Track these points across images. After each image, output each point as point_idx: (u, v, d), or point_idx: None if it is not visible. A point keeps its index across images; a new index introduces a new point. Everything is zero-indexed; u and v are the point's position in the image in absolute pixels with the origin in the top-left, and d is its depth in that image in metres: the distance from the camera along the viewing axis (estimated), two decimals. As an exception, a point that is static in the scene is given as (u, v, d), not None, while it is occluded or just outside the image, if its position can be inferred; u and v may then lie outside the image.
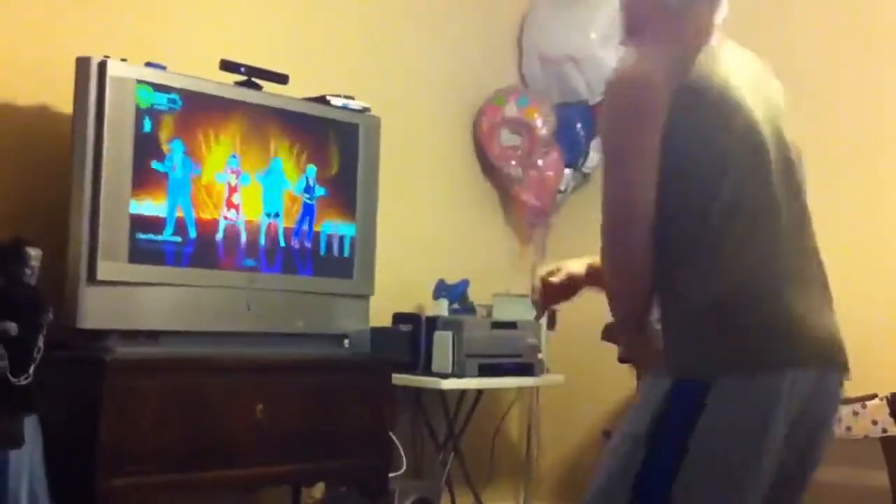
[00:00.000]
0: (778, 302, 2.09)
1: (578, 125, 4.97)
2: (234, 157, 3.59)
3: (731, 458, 2.05)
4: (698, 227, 2.08)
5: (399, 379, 4.02)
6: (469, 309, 4.52)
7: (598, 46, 4.87)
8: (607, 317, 4.04)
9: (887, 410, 3.97)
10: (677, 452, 2.04)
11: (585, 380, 4.78)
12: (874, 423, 3.97)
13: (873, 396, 4.00)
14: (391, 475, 3.99)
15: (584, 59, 4.90)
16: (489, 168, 5.02)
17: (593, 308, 4.86)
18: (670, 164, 2.04)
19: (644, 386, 2.20)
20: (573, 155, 4.99)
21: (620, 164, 2.09)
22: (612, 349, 4.25)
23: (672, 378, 2.06)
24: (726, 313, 2.08)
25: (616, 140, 2.11)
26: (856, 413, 3.98)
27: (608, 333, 4.27)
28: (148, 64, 3.40)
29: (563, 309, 4.63)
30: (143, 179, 3.34)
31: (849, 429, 3.99)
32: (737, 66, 2.17)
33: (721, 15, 2.20)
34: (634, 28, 2.30)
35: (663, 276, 2.12)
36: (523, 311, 4.53)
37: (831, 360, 2.15)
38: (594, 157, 5.00)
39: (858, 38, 4.59)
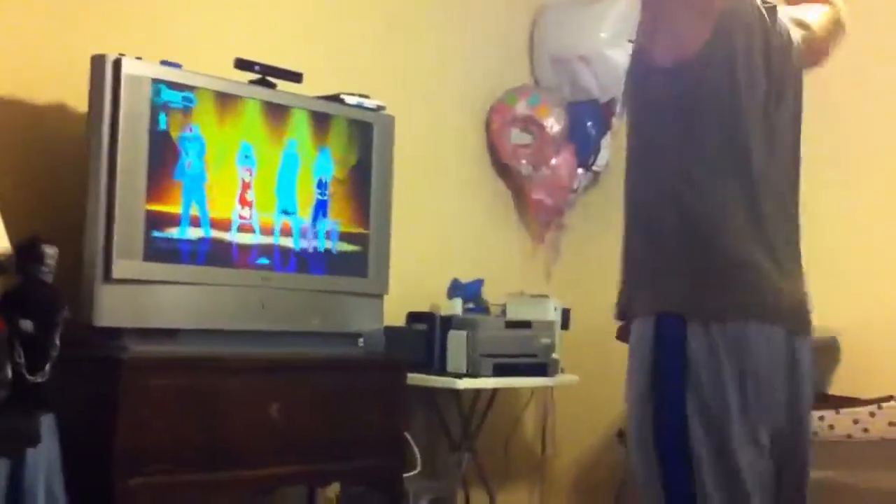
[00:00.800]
0: (749, 255, 2.15)
1: (589, 124, 4.96)
2: (248, 155, 3.58)
3: (722, 413, 2.10)
4: (684, 159, 2.18)
5: (413, 378, 4.01)
6: (483, 308, 4.51)
7: (608, 45, 4.87)
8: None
9: (904, 412, 3.96)
10: (680, 404, 2.12)
11: (600, 380, 4.76)
12: (891, 424, 3.95)
13: (889, 398, 3.98)
14: (406, 475, 3.98)
15: (594, 58, 4.89)
16: (502, 167, 5.01)
17: (608, 307, 4.86)
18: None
19: (630, 343, 2.31)
20: (585, 154, 4.98)
21: None
22: (627, 349, 4.24)
23: (653, 317, 2.18)
24: (698, 255, 2.17)
25: None
26: (872, 415, 3.96)
27: (623, 333, 4.25)
28: (163, 62, 3.40)
29: (578, 309, 4.67)
30: (159, 177, 3.34)
31: (865, 430, 3.97)
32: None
33: None
34: None
35: (647, 209, 2.24)
36: (538, 311, 4.53)
37: (801, 323, 2.22)
38: (604, 156, 4.99)
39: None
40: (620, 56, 4.87)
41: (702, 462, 2.09)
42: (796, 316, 2.25)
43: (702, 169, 2.18)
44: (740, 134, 2.19)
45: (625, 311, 2.30)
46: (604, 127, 4.97)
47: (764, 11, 2.25)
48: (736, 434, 2.10)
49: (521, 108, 4.88)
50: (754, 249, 2.18)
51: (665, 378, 2.16)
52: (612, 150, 5.00)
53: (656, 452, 2.15)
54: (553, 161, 4.92)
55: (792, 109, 2.32)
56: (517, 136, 4.90)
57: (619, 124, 4.97)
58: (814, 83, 2.41)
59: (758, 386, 2.12)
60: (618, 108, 4.91)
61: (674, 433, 2.12)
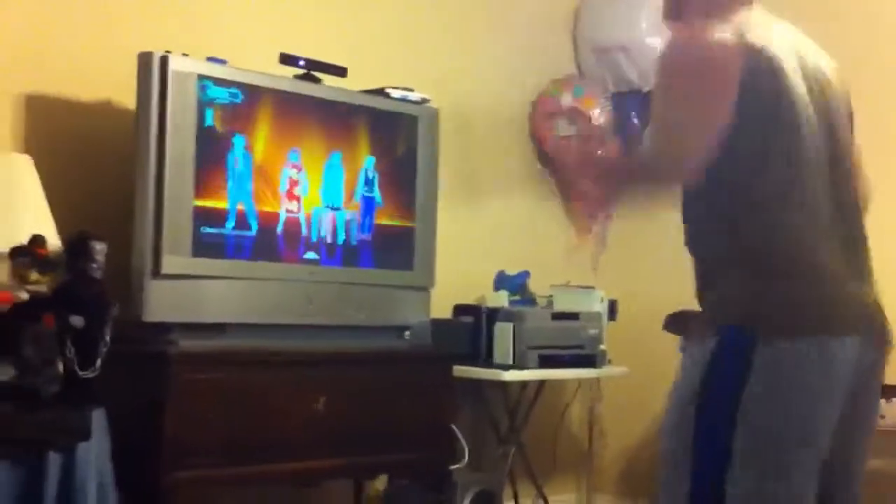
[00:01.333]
0: (822, 267, 2.15)
1: (633, 114, 4.94)
2: (294, 150, 3.59)
3: (783, 426, 2.10)
4: (748, 185, 2.15)
5: (460, 371, 4.01)
6: (530, 300, 4.50)
7: (647, 34, 4.84)
8: (670, 307, 3.99)
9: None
10: (730, 415, 2.10)
11: (648, 371, 4.73)
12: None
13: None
14: (453, 467, 3.98)
15: (635, 47, 4.87)
16: (547, 159, 5.00)
17: (655, 298, 4.84)
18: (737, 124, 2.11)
19: (687, 352, 2.29)
20: (628, 144, 4.95)
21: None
22: (675, 340, 4.21)
23: (717, 333, 2.14)
24: (771, 271, 2.15)
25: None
26: (889, 401, 3.91)
27: (671, 324, 4.23)
28: (209, 58, 3.42)
29: (625, 299, 4.64)
30: (206, 173, 3.36)
31: (883, 417, 3.91)
32: (777, 35, 2.21)
33: None
34: (675, 6, 2.40)
35: (713, 229, 2.21)
36: (584, 302, 4.51)
37: (873, 328, 2.20)
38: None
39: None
40: (658, 45, 4.85)
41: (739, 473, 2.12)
42: (870, 326, 2.23)
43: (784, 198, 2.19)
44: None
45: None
46: (647, 117, 4.94)
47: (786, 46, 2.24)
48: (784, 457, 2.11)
49: (566, 99, 4.86)
50: (829, 262, 2.19)
51: (720, 380, 2.15)
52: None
53: (693, 448, 2.18)
54: (599, 152, 4.90)
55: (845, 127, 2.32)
56: (562, 128, 4.88)
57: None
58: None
59: (816, 406, 2.12)
60: None
61: (716, 437, 2.14)
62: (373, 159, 3.81)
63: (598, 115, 4.85)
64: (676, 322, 4.17)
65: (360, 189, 3.78)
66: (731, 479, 2.10)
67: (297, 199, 3.60)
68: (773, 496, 2.10)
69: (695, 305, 4.34)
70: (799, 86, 2.18)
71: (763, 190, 2.16)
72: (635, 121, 4.92)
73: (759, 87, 2.12)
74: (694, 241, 2.31)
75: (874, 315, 2.24)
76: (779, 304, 2.13)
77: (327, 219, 3.68)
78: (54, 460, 2.86)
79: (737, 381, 2.10)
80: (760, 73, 2.13)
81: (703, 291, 2.30)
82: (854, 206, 2.30)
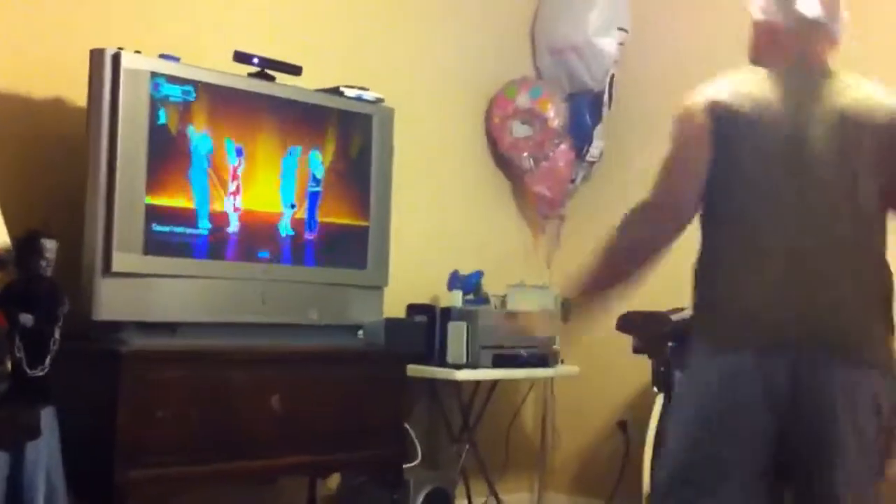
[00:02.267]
0: (734, 291, 2.41)
1: (587, 115, 4.97)
2: (248, 148, 3.59)
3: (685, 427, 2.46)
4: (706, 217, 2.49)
5: (414, 370, 4.02)
6: (483, 300, 4.52)
7: (595, 34, 4.87)
8: (622, 307, 4.03)
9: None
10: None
11: (600, 371, 4.78)
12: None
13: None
14: (406, 466, 3.99)
15: (584, 47, 4.90)
16: (502, 159, 5.02)
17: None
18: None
19: None
20: (580, 145, 4.98)
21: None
22: (627, 339, 4.26)
23: None
24: (699, 300, 2.50)
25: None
26: None
27: (623, 324, 4.27)
28: (162, 56, 3.40)
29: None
30: (158, 171, 3.35)
31: None
32: (794, 89, 2.46)
33: (826, 43, 2.52)
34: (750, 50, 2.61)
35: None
36: (538, 302, 4.53)
37: (807, 346, 2.33)
38: (598, 146, 4.99)
39: None
40: (608, 45, 4.89)
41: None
42: (805, 341, 2.35)
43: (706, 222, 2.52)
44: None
45: None
46: (597, 117, 4.98)
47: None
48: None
49: (523, 100, 4.88)
50: (739, 286, 2.42)
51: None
52: (606, 140, 5.00)
53: None
54: (552, 154, 4.93)
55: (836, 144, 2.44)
56: (518, 129, 4.90)
57: (609, 113, 4.98)
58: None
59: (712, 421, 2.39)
60: (606, 98, 4.93)
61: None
62: (327, 158, 3.81)
63: (554, 116, 4.87)
64: (628, 322, 4.23)
65: (313, 188, 3.77)
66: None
67: (251, 197, 3.59)
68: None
69: (646, 306, 4.40)
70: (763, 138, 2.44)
71: (705, 217, 2.51)
72: (588, 122, 4.95)
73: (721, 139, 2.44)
74: None
75: (816, 329, 2.34)
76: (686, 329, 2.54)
77: (281, 217, 3.67)
78: (2, 459, 2.84)
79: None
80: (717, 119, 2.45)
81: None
82: (826, 219, 2.40)
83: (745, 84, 2.49)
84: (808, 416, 2.31)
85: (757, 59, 2.57)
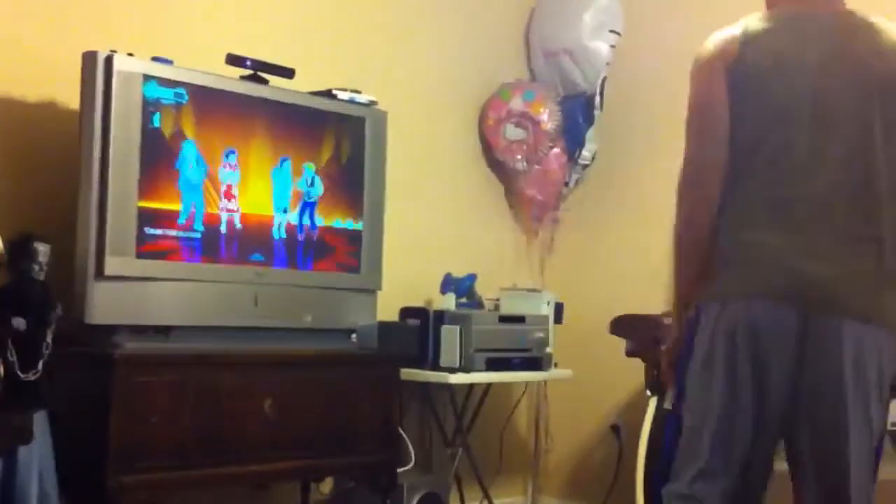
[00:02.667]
0: (754, 240, 2.40)
1: (580, 118, 4.97)
2: (241, 151, 3.58)
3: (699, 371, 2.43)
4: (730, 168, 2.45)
5: (407, 373, 4.02)
6: (477, 303, 4.52)
7: (589, 38, 4.87)
8: (616, 310, 4.03)
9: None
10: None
11: (594, 374, 4.77)
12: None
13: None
14: (399, 470, 3.98)
15: (577, 50, 4.90)
16: (495, 162, 5.01)
17: (601, 302, 4.88)
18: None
19: None
20: (573, 147, 4.98)
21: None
22: (621, 343, 4.25)
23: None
24: (715, 247, 2.46)
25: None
26: None
27: (616, 327, 4.27)
28: (154, 58, 3.40)
29: (572, 303, 4.67)
30: (151, 174, 3.34)
31: None
32: (807, 32, 2.44)
33: None
34: None
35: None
36: (531, 305, 4.53)
37: (811, 301, 2.35)
38: (591, 149, 4.99)
39: None
40: (601, 48, 4.89)
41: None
42: (818, 297, 2.35)
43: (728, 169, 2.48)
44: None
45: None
46: (590, 120, 4.98)
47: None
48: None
49: (516, 103, 4.88)
50: (761, 233, 2.39)
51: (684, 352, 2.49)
52: (599, 144, 5.00)
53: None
54: (546, 156, 4.92)
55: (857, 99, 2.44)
56: (512, 132, 4.89)
57: (601, 115, 4.98)
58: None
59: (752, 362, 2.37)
60: (598, 100, 4.93)
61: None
62: (320, 161, 3.81)
63: (547, 119, 4.87)
64: (622, 325, 4.23)
65: (307, 190, 3.77)
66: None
67: (244, 200, 3.58)
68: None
69: (639, 310, 4.40)
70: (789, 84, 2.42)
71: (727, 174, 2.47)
72: (581, 124, 4.96)
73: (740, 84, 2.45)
74: None
75: (819, 288, 2.35)
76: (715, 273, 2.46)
77: (273, 220, 3.67)
78: (-6, 463, 2.83)
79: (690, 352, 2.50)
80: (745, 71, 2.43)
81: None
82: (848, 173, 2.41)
83: (760, 30, 2.46)
84: (818, 367, 2.34)
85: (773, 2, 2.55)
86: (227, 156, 3.54)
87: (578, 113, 4.96)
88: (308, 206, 3.77)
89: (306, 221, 3.76)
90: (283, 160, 3.69)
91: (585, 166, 5.05)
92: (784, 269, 2.36)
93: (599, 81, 4.92)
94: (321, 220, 3.80)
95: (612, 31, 4.91)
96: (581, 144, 4.98)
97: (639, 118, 4.91)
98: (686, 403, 2.47)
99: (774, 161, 2.40)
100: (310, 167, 3.77)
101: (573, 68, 4.93)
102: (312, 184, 3.79)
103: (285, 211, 3.70)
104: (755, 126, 2.42)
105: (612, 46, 4.92)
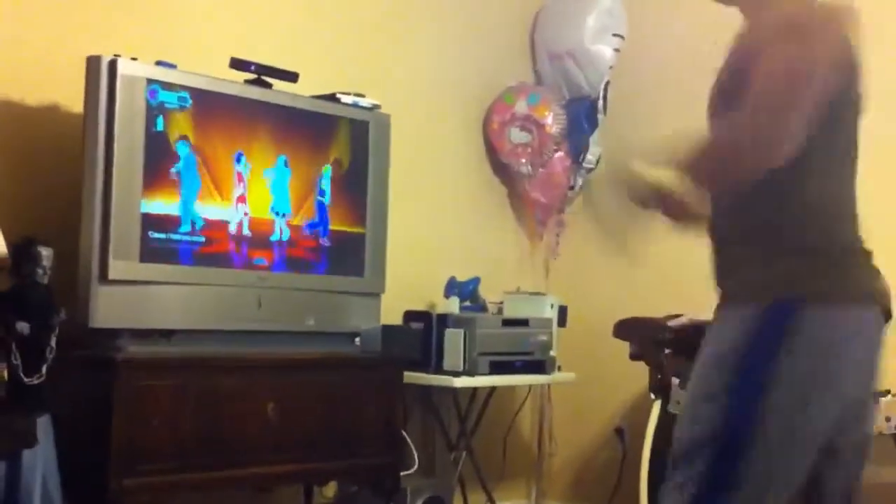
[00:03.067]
0: (859, 246, 2.20)
1: (584, 121, 4.97)
2: (244, 155, 3.58)
3: (812, 383, 2.11)
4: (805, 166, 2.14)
5: (410, 377, 4.02)
6: (480, 306, 4.51)
7: (591, 41, 4.87)
8: (619, 314, 4.00)
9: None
10: (767, 373, 2.09)
11: (597, 377, 4.77)
12: (887, 419, 3.95)
13: (886, 393, 3.98)
14: (403, 473, 3.99)
15: (580, 53, 4.90)
16: (499, 166, 5.02)
17: (605, 304, 4.87)
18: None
19: (724, 315, 2.23)
20: (578, 151, 4.98)
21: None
22: (624, 346, 4.25)
23: (763, 301, 2.13)
24: (816, 245, 2.17)
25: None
26: None
27: (620, 330, 4.26)
28: (158, 62, 3.40)
29: (575, 306, 4.67)
30: (155, 178, 3.34)
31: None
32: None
33: None
34: None
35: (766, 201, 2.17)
36: (534, 309, 4.53)
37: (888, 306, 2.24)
38: (595, 152, 4.99)
39: None
40: (604, 51, 4.89)
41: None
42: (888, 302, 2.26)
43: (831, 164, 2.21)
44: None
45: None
46: (594, 124, 4.98)
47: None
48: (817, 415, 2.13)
49: (521, 106, 4.88)
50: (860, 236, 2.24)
51: (758, 350, 2.13)
52: (603, 147, 5.00)
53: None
54: (550, 160, 4.92)
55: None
56: (516, 135, 4.89)
57: (605, 120, 4.98)
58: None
59: (859, 375, 2.18)
60: (600, 104, 4.92)
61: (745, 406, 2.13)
62: (323, 165, 3.81)
63: (552, 122, 4.87)
64: (625, 329, 4.23)
65: (310, 194, 3.77)
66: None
67: (247, 204, 3.58)
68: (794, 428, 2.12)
69: (643, 312, 4.39)
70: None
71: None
72: (585, 128, 4.95)
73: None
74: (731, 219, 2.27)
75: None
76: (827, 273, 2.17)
77: (277, 224, 3.67)
78: (-2, 467, 2.83)
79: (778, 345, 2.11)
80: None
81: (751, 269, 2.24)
82: None
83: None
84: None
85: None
86: (231, 160, 3.54)
87: (582, 116, 4.96)
88: (318, 210, 3.77)
89: (313, 224, 3.76)
90: (286, 164, 3.69)
91: (590, 170, 5.05)
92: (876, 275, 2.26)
93: (603, 85, 4.92)
94: (325, 224, 3.80)
95: (615, 35, 4.91)
96: (585, 148, 4.98)
97: (642, 122, 4.91)
98: None
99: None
100: (317, 170, 3.77)
101: (577, 71, 4.94)
102: (321, 187, 3.79)
103: (289, 214, 3.70)
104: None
105: (616, 50, 4.91)
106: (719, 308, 2.25)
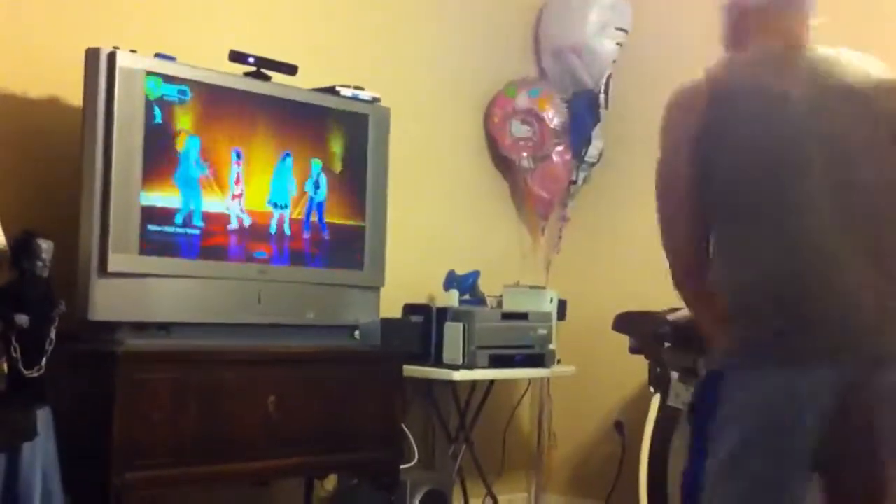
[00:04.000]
0: (789, 299, 2.17)
1: (587, 116, 4.96)
2: (243, 148, 3.58)
3: (740, 448, 2.17)
4: (727, 225, 2.25)
5: (410, 370, 4.02)
6: (480, 300, 4.52)
7: (593, 36, 4.87)
8: (619, 307, 4.01)
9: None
10: (702, 437, 2.21)
11: (597, 370, 4.77)
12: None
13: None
14: (403, 467, 3.99)
15: (583, 47, 4.90)
16: (500, 159, 5.01)
17: (604, 298, 4.88)
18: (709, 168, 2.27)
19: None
20: (580, 145, 4.98)
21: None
22: (624, 340, 4.25)
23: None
24: (739, 309, 2.22)
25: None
26: None
27: (619, 323, 4.26)
28: (157, 55, 3.40)
29: (575, 300, 4.67)
30: (154, 171, 3.34)
31: None
32: (801, 71, 2.27)
33: (809, 17, 2.32)
34: (724, 35, 2.49)
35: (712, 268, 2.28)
36: (534, 302, 4.53)
37: (861, 352, 2.16)
38: (597, 146, 4.99)
39: None
40: (607, 45, 4.88)
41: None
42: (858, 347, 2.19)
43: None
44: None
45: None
46: (596, 118, 4.98)
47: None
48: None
49: (522, 100, 4.87)
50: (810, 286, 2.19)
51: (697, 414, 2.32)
52: (606, 142, 4.99)
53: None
54: (552, 154, 4.92)
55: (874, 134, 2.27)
56: (517, 129, 4.89)
57: (608, 114, 4.97)
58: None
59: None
60: (602, 98, 4.92)
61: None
62: (322, 158, 3.80)
63: (553, 116, 4.87)
64: (625, 322, 4.22)
65: (310, 188, 3.77)
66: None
67: (246, 197, 3.58)
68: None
69: (642, 306, 4.39)
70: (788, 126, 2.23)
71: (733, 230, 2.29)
72: (587, 122, 4.95)
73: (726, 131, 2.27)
74: None
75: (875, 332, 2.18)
76: (738, 338, 2.22)
77: (276, 217, 3.67)
78: (-2, 460, 2.83)
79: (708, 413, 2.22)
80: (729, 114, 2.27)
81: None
82: (872, 213, 2.23)
83: (742, 69, 2.33)
84: (859, 419, 2.19)
85: (735, 43, 2.43)
86: (231, 153, 3.53)
87: (585, 111, 4.96)
88: (317, 203, 3.77)
89: (312, 218, 3.76)
90: (285, 157, 3.69)
91: (592, 164, 5.05)
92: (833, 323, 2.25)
93: (604, 79, 4.91)
94: (324, 217, 3.80)
95: (618, 29, 4.90)
96: (588, 142, 4.98)
97: (646, 116, 4.89)
98: None
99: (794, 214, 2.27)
100: (317, 163, 3.77)
101: (580, 66, 4.93)
102: (320, 180, 3.78)
103: (287, 207, 3.69)
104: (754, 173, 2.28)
105: (619, 44, 4.91)
106: None
